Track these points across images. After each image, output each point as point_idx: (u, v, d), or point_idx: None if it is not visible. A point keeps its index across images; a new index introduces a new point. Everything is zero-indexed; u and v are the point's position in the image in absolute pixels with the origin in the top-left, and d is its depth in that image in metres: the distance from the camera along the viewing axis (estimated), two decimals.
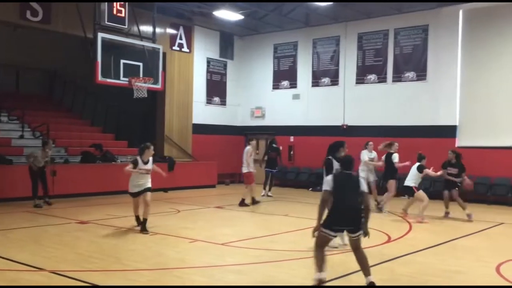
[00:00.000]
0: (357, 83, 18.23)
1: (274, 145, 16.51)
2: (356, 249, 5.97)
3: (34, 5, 14.43)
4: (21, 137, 15.87)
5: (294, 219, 11.53)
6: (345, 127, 18.30)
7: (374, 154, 13.36)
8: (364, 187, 6.00)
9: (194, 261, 7.40)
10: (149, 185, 9.55)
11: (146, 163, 9.54)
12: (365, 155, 13.17)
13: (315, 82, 19.31)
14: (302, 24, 19.35)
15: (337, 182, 6.01)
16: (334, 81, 18.79)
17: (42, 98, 19.75)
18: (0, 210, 11.72)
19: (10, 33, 16.41)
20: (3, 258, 7.08)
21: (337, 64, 18.71)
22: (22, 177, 13.34)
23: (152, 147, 9.74)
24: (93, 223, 10.23)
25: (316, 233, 5.97)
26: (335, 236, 6.15)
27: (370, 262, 7.02)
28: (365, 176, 12.46)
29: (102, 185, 14.61)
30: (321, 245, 5.99)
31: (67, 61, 18.78)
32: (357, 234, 5.89)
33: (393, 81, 17.42)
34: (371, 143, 13.44)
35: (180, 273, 6.58)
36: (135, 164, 9.42)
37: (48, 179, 12.93)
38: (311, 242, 8.62)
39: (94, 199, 12.21)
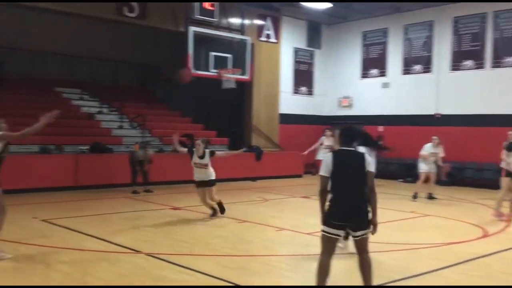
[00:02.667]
0: (452, 69, 17.35)
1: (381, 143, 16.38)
2: (362, 251, 4.82)
3: (131, 1, 15.20)
4: (120, 127, 16.90)
5: (381, 211, 11.24)
6: (438, 116, 17.52)
7: (439, 149, 12.81)
8: (371, 166, 4.79)
9: (281, 249, 7.52)
10: (205, 179, 9.49)
11: (202, 157, 9.48)
12: (428, 149, 12.71)
13: (406, 70, 18.64)
14: (393, 9, 18.70)
15: (338, 163, 4.72)
16: (427, 68, 18.02)
17: (137, 91, 20.88)
18: (101, 196, 12.61)
19: (108, 29, 17.44)
20: (104, 240, 7.63)
21: (430, 51, 17.91)
22: (121, 165, 14.24)
23: (200, 141, 9.68)
24: (185, 210, 10.70)
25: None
26: (339, 236, 4.79)
27: (464, 258, 6.76)
28: (425, 169, 12.58)
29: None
30: (326, 250, 4.77)
31: (161, 54, 19.64)
32: (364, 232, 4.75)
33: (492, 66, 16.36)
34: (435, 137, 12.84)
35: (267, 260, 6.72)
36: (190, 153, 9.65)
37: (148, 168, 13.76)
38: (398, 234, 8.46)
39: (186, 186, 12.74)
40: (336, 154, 4.84)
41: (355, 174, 4.72)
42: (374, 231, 4.88)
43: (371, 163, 4.80)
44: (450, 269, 6.34)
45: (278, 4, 18.97)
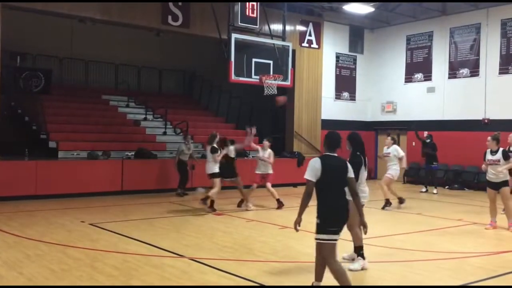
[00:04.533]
0: (500, 73, 16.78)
1: (429, 141, 16.06)
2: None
3: (175, 10, 15.52)
4: (164, 133, 17.24)
5: (427, 218, 11.02)
6: (486, 121, 16.98)
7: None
8: (351, 172, 5.06)
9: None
10: (208, 171, 11.23)
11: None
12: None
13: (452, 74, 18.16)
14: (438, 12, 18.28)
15: (327, 170, 4.88)
16: (474, 72, 17.50)
17: (182, 97, 21.27)
18: (146, 201, 12.88)
19: (153, 37, 17.86)
20: (149, 244, 7.79)
21: (478, 54, 17.39)
22: (166, 171, 14.55)
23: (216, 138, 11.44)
24: (227, 215, 10.79)
25: (298, 227, 5.16)
26: (336, 240, 5.03)
27: (505, 270, 6.52)
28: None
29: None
30: (333, 255, 5.03)
31: (204, 62, 19.95)
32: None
33: None
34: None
35: (308, 267, 6.68)
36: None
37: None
38: (445, 243, 8.24)
39: (228, 192, 12.85)
40: (324, 160, 5.00)
41: (341, 180, 5.00)
42: (365, 231, 5.23)
43: (351, 170, 5.09)
44: (498, 279, 6.12)
45: (320, 10, 18.91)
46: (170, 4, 15.39)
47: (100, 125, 16.45)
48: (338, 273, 4.97)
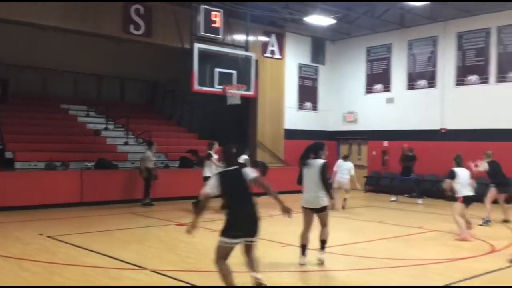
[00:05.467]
0: (456, 84, 17.34)
1: (410, 154, 16.42)
2: (250, 252, 5.69)
3: (137, 19, 15.37)
4: (126, 143, 16.97)
5: (388, 226, 11.21)
6: (443, 131, 17.48)
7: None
8: (251, 174, 5.56)
9: (288, 266, 7.44)
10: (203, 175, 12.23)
11: None
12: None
13: (411, 85, 18.64)
14: (397, 25, 18.78)
15: (226, 183, 5.41)
16: (431, 83, 18.02)
17: (144, 107, 21.01)
18: (107, 212, 12.60)
19: (115, 46, 17.63)
20: (109, 256, 7.60)
21: (435, 66, 17.94)
22: (126, 181, 14.28)
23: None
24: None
25: (190, 231, 5.67)
26: (236, 244, 5.55)
27: (472, 274, 6.70)
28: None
29: (199, 189, 15.13)
30: (222, 257, 5.51)
31: (167, 71, 19.79)
32: (256, 238, 5.55)
33: (497, 81, 16.35)
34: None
35: (275, 277, 6.66)
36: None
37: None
38: (407, 250, 8.39)
39: (190, 202, 12.73)
40: (222, 176, 5.50)
41: (240, 189, 5.45)
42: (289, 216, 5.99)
43: (249, 171, 5.57)
44: (459, 285, 6.26)
45: (282, 21, 19.11)
46: (132, 13, 15.23)
47: (58, 135, 16.02)
48: (222, 272, 5.44)
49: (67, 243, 8.62)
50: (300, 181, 7.43)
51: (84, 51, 18.59)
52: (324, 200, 7.15)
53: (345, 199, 13.82)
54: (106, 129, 17.53)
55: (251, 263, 5.54)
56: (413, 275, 6.79)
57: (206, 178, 11.90)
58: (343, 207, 13.59)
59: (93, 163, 14.80)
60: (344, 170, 13.99)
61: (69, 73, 18.93)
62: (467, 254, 7.99)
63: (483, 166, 11.15)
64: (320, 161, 7.19)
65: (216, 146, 12.92)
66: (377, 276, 6.66)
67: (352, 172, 14.04)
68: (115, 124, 17.93)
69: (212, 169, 12.44)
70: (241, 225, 5.37)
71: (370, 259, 7.67)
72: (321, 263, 7.21)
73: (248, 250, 5.57)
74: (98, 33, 15.13)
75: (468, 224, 9.58)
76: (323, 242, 7.34)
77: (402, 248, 8.70)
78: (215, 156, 12.63)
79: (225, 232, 5.33)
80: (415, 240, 9.52)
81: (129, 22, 15.24)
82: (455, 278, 6.52)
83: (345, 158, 14.57)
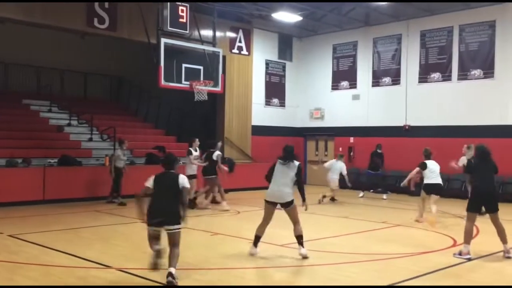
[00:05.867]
0: (420, 82, 17.72)
1: (379, 151, 16.71)
2: (174, 244, 6.14)
3: (101, 12, 15.06)
4: (90, 140, 16.64)
5: (354, 221, 11.39)
6: (407, 127, 17.84)
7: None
8: (184, 184, 6.29)
9: (254, 262, 7.46)
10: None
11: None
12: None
13: (376, 82, 18.95)
14: (362, 23, 19.04)
15: (157, 181, 6.33)
16: (396, 81, 18.37)
17: (109, 103, 20.64)
18: (71, 210, 12.34)
19: (78, 40, 17.23)
20: (73, 255, 7.44)
21: (399, 63, 18.28)
22: (91, 178, 14.02)
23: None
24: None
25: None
26: (156, 231, 6.19)
27: (434, 267, 6.87)
28: None
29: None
30: (149, 239, 6.24)
31: (133, 66, 19.50)
32: (174, 227, 6.12)
33: (459, 79, 16.79)
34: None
35: (241, 273, 6.67)
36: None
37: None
38: (371, 245, 8.54)
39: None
40: (158, 176, 6.41)
41: (168, 190, 6.23)
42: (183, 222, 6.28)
43: (184, 181, 6.36)
44: (421, 279, 6.41)
45: (249, 17, 19.10)
46: (96, 6, 14.92)
47: (20, 131, 15.57)
48: (159, 254, 6.17)
49: (29, 242, 8.40)
50: (269, 177, 7.59)
51: (46, 45, 18.11)
52: (290, 196, 7.36)
53: (324, 196, 14.29)
54: (69, 125, 17.15)
55: (170, 256, 6.08)
56: (378, 269, 6.91)
57: (189, 177, 11.60)
58: (319, 202, 14.02)
59: (56, 160, 14.45)
60: (336, 169, 14.45)
61: (31, 67, 18.41)
62: (430, 248, 8.18)
63: (462, 161, 11.52)
64: (297, 162, 7.53)
65: (197, 142, 13.07)
66: (342, 270, 6.76)
67: (344, 171, 14.49)
68: (78, 119, 17.56)
69: (192, 167, 12.76)
70: (155, 214, 6.07)
71: (335, 254, 7.77)
72: (304, 257, 7.33)
73: (169, 240, 6.16)
74: (61, 26, 14.76)
75: (421, 213, 10.74)
76: (299, 238, 7.50)
77: (367, 242, 8.84)
78: (194, 154, 12.76)
79: (147, 219, 6.12)
80: (380, 235, 9.70)
81: (93, 16, 14.92)
82: (418, 272, 6.67)
83: (340, 157, 15.01)
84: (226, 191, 16.09)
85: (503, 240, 7.66)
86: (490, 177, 7.88)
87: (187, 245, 8.40)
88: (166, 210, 6.14)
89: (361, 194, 16.45)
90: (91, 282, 6.09)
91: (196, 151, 13.05)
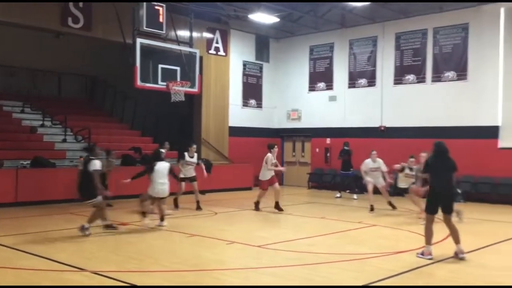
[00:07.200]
0: (395, 83, 17.95)
1: (346, 148, 16.68)
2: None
3: (76, 12, 14.84)
4: (64, 141, 16.36)
5: (330, 222, 11.46)
6: (383, 128, 18.05)
7: (378, 162, 13.03)
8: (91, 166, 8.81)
9: (232, 263, 7.45)
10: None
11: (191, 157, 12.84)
12: (367, 164, 12.99)
13: (352, 84, 19.12)
14: (338, 25, 19.20)
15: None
16: (371, 82, 18.56)
17: (83, 103, 20.33)
18: (44, 212, 12.12)
19: (52, 40, 16.93)
20: (46, 258, 7.30)
21: (374, 65, 18.48)
22: (64, 180, 13.76)
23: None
24: (133, 225, 10.43)
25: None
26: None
27: (409, 267, 6.96)
28: (371, 180, 12.95)
29: (142, 187, 14.84)
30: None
31: (107, 66, 19.25)
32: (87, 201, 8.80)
33: (433, 81, 17.06)
34: (374, 152, 13.12)
35: (218, 275, 6.65)
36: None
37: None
38: (347, 245, 8.61)
39: (135, 200, 12.45)
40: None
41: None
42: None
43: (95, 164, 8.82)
44: (396, 278, 6.48)
45: (226, 18, 19.06)
46: (71, 5, 14.69)
47: None
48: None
49: (1, 245, 8.21)
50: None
51: (19, 44, 17.75)
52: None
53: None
54: (42, 125, 16.83)
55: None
56: (354, 269, 6.96)
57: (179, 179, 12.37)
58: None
59: (29, 162, 14.17)
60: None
61: (3, 67, 18.00)
62: (404, 248, 8.28)
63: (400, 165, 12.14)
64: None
65: (194, 148, 13.09)
66: (319, 271, 6.78)
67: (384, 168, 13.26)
68: (52, 120, 17.25)
69: (184, 170, 12.75)
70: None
71: (312, 255, 7.80)
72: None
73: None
74: (35, 26, 14.49)
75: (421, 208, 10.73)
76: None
77: (343, 243, 8.91)
78: (188, 159, 12.74)
79: None
80: (356, 235, 9.78)
81: (67, 15, 14.68)
82: (393, 271, 6.74)
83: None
84: (204, 192, 16.05)
85: (456, 240, 7.58)
86: (447, 176, 7.67)
87: (164, 247, 8.35)
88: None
89: (338, 194, 16.57)
90: (65, 285, 5.97)
91: (192, 157, 12.90)
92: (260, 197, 12.89)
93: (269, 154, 12.65)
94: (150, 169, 10.27)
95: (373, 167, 13.03)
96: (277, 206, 12.64)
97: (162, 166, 10.19)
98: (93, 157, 9.36)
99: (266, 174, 12.67)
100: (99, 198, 9.20)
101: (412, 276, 6.61)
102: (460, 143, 15.16)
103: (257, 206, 12.89)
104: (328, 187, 18.61)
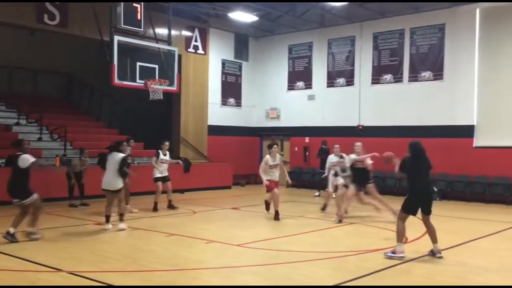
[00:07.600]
0: (372, 83, 18.12)
1: (324, 147, 16.75)
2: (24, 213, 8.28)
3: (52, 8, 14.60)
4: (39, 139, 16.08)
5: (309, 220, 11.51)
6: (361, 127, 18.21)
7: (344, 157, 12.43)
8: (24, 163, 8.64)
9: (210, 262, 7.43)
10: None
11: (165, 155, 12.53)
12: (331, 159, 12.67)
13: (330, 83, 19.24)
14: (317, 24, 19.29)
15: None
16: (350, 82, 18.71)
17: (59, 101, 20.02)
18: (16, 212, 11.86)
19: (27, 37, 16.62)
20: (22, 259, 7.18)
21: (353, 65, 18.63)
22: (40, 179, 13.49)
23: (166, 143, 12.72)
24: (110, 224, 10.30)
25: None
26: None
27: (386, 264, 7.03)
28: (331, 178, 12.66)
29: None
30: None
31: (84, 64, 18.99)
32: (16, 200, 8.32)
33: (409, 81, 17.28)
34: (337, 146, 12.84)
35: (197, 274, 6.62)
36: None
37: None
38: (325, 244, 8.67)
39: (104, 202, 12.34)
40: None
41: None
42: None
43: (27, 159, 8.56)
44: (372, 276, 6.54)
45: (206, 16, 18.98)
46: (46, 2, 14.44)
47: None
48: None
49: None
50: None
51: None
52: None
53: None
54: (17, 124, 16.52)
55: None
56: (332, 267, 7.01)
57: (155, 179, 12.42)
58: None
59: (3, 160, 13.88)
60: None
61: None
62: (383, 246, 8.36)
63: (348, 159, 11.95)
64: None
65: (167, 145, 12.76)
66: (298, 269, 6.81)
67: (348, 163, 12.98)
68: (27, 119, 16.94)
69: (160, 168, 12.48)
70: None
71: (291, 253, 7.82)
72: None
73: None
74: (9, 22, 14.21)
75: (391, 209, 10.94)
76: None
77: (322, 241, 8.96)
78: (162, 157, 12.46)
79: None
80: (334, 233, 9.84)
81: (43, 12, 14.44)
82: (371, 269, 6.80)
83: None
84: (182, 191, 15.98)
85: (434, 240, 7.64)
86: (426, 176, 7.71)
87: (142, 246, 8.27)
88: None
89: (316, 193, 16.66)
90: (42, 285, 5.88)
91: (165, 155, 12.58)
92: (270, 199, 11.88)
93: (267, 156, 11.57)
94: (103, 159, 10.13)
95: (336, 162, 12.43)
96: (267, 207, 12.01)
97: (115, 157, 9.75)
98: (20, 152, 9.01)
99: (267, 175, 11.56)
100: (34, 196, 8.68)
101: (390, 274, 6.68)
102: (436, 142, 15.40)
103: (267, 206, 12.05)
104: (307, 186, 18.68)
